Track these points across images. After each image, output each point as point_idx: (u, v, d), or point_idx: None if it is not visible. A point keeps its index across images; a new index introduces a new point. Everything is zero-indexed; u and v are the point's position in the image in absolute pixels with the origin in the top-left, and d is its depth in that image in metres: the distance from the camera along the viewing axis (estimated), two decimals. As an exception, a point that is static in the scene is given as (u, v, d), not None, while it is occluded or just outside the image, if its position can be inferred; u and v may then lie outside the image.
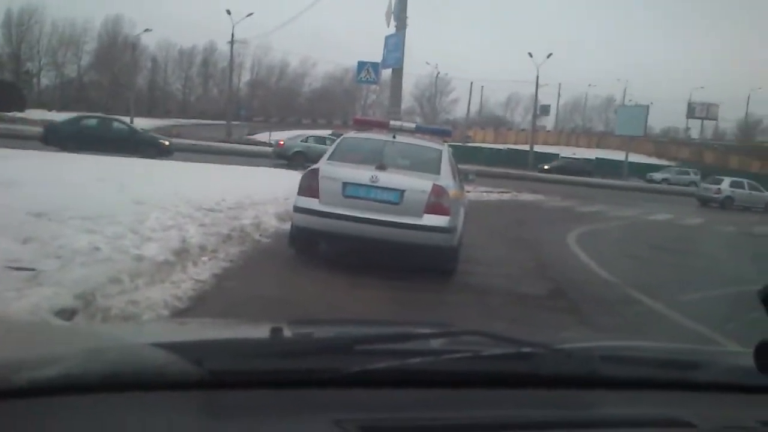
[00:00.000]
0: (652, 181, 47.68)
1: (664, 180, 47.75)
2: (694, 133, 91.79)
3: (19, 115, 47.43)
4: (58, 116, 36.00)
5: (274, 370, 1.15)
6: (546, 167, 47.28)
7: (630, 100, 68.72)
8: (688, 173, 50.01)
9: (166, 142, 24.59)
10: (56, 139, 22.03)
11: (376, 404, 1.15)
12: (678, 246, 13.55)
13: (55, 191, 8.62)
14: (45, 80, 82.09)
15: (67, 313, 4.14)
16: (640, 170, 52.22)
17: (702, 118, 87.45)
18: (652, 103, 56.47)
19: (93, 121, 24.58)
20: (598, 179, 42.11)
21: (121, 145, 22.07)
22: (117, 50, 79.05)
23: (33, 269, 4.80)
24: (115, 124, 24.65)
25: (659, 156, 72.67)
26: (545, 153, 56.59)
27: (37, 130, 25.81)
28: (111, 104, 72.56)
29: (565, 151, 60.97)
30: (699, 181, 41.51)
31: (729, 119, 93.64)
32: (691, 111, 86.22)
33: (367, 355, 1.21)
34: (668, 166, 59.64)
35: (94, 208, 7.47)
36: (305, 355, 1.23)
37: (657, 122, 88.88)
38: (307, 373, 1.16)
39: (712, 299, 7.38)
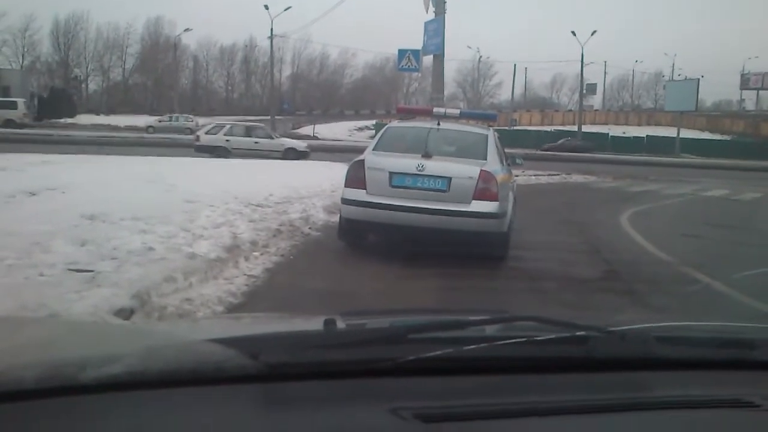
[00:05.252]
0: None
1: None
2: (749, 105, 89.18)
3: (69, 120, 49.00)
4: (108, 119, 37.60)
5: (330, 361, 1.16)
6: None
7: (679, 75, 67.49)
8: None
9: None
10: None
11: (431, 392, 1.15)
12: (734, 222, 13.17)
13: (107, 193, 8.84)
14: (92, 85, 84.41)
15: (125, 313, 4.24)
16: (689, 146, 50.69)
17: (757, 89, 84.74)
18: (702, 76, 55.04)
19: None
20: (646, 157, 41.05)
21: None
22: (159, 51, 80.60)
23: (91, 271, 4.93)
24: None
25: (712, 130, 70.83)
26: (594, 132, 55.61)
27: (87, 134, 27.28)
28: (156, 105, 74.18)
29: (614, 130, 59.79)
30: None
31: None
32: (745, 82, 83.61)
33: (421, 343, 1.21)
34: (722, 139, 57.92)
35: (145, 208, 7.63)
36: (359, 345, 1.24)
37: (708, 95, 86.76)
38: (362, 363, 1.16)
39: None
